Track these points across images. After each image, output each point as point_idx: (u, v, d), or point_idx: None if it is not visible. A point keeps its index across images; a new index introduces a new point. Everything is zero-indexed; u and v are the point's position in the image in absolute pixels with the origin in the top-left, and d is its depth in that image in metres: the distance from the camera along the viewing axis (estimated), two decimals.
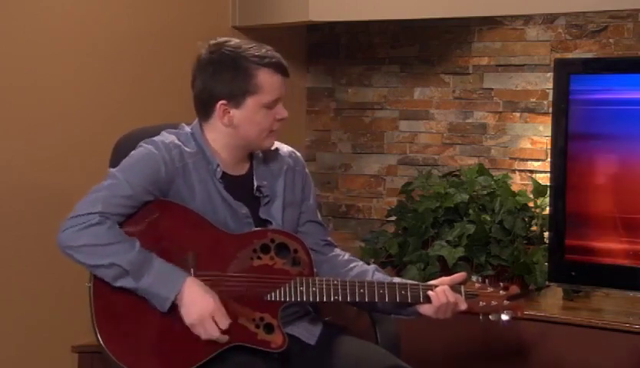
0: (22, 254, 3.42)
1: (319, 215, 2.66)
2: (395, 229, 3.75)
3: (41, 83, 3.46)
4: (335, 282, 2.43)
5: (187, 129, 2.52)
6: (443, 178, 3.78)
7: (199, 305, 2.33)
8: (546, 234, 3.50)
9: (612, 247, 3.21)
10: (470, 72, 4.06)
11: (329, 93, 4.40)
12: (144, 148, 2.44)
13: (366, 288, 2.43)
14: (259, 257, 2.43)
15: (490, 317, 2.50)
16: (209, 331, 2.33)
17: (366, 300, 2.44)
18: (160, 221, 2.41)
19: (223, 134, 2.47)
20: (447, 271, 3.49)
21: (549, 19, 3.87)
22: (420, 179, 3.75)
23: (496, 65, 4.00)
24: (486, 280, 2.52)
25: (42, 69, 3.46)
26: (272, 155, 2.58)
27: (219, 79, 2.43)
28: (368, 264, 2.64)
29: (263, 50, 2.46)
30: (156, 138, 2.47)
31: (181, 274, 2.35)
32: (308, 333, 2.50)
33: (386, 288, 2.45)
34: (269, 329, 2.39)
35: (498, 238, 3.51)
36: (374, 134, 4.30)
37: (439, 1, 3.70)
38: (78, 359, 3.59)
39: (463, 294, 2.49)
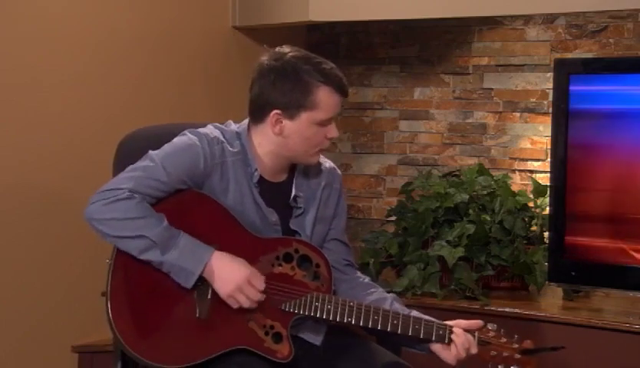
0: (23, 254, 3.42)
1: (346, 236, 2.63)
2: (395, 229, 3.75)
3: (45, 84, 3.46)
4: (351, 304, 2.40)
5: (234, 127, 2.50)
6: (443, 178, 3.78)
7: (234, 273, 2.32)
8: (546, 234, 3.50)
9: (612, 247, 3.21)
10: (470, 72, 4.06)
11: None
12: (188, 138, 2.42)
13: (380, 316, 2.40)
14: (280, 265, 2.41)
15: (499, 367, 2.47)
16: (250, 295, 2.33)
17: (379, 327, 2.41)
18: (189, 210, 2.39)
19: (271, 142, 2.45)
20: (447, 271, 3.49)
21: (549, 19, 3.87)
22: (420, 179, 3.75)
23: (496, 65, 4.00)
24: (502, 330, 2.48)
25: (45, 69, 3.46)
26: (313, 168, 2.55)
27: (278, 88, 2.41)
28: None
29: (327, 67, 2.43)
30: (201, 130, 2.45)
31: (208, 249, 2.34)
32: (313, 334, 2.49)
33: (400, 319, 2.41)
34: (278, 338, 2.38)
35: (498, 238, 3.51)
36: (374, 134, 4.30)
37: (439, 1, 3.70)
38: (78, 359, 3.59)
39: (475, 339, 2.45)
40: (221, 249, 2.37)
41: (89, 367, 3.58)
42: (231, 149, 2.44)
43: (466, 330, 2.45)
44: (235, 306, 2.35)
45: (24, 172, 3.42)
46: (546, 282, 3.42)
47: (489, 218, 3.53)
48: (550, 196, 3.38)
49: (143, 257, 2.33)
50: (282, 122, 2.42)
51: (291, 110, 2.40)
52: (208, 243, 2.37)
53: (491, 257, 3.50)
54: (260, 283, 2.35)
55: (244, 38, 4.11)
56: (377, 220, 4.23)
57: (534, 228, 3.61)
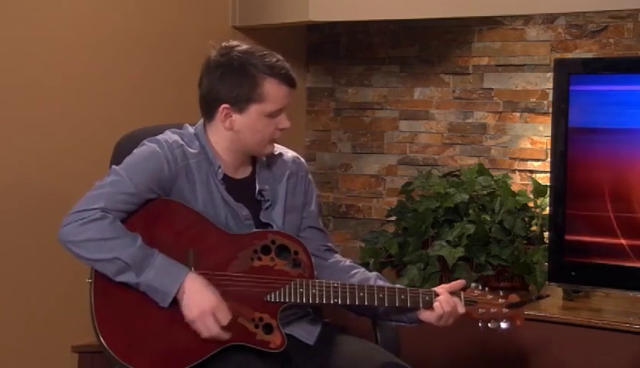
0: (23, 253, 3.42)
1: (321, 222, 2.65)
2: (395, 229, 3.75)
3: (43, 84, 3.46)
4: (335, 285, 2.43)
5: (191, 129, 2.53)
6: (443, 178, 3.78)
7: (200, 300, 2.33)
8: (546, 234, 3.50)
9: (612, 247, 3.21)
10: (470, 72, 4.06)
11: (329, 93, 4.40)
12: (147, 146, 2.45)
13: (366, 292, 2.43)
14: (260, 258, 2.43)
15: (489, 324, 2.50)
16: (210, 327, 2.33)
17: (365, 303, 2.43)
18: (161, 218, 2.41)
19: (224, 137, 2.48)
20: (447, 271, 3.49)
21: (549, 19, 3.87)
22: (420, 179, 3.75)
23: (496, 65, 4.00)
24: (486, 288, 2.51)
25: (45, 69, 3.46)
26: (275, 159, 2.58)
27: (225, 83, 2.44)
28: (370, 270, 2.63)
29: (273, 60, 2.45)
30: (159, 137, 2.48)
31: (183, 269, 2.35)
32: (307, 333, 2.50)
33: (386, 292, 2.44)
34: (269, 329, 2.39)
35: (498, 238, 3.51)
36: (374, 134, 4.30)
37: (439, 1, 3.69)
38: (78, 359, 3.59)
39: (462, 299, 2.49)
40: (198, 253, 2.39)
41: (89, 367, 3.58)
42: (191, 150, 2.46)
43: (451, 292, 2.48)
44: (199, 331, 2.35)
45: (24, 172, 3.42)
46: (546, 282, 3.42)
47: (489, 218, 3.53)
48: (550, 196, 3.38)
49: (119, 279, 2.35)
50: (231, 116, 2.45)
51: (240, 103, 2.43)
52: (184, 249, 2.38)
53: (491, 257, 3.50)
54: (224, 318, 2.34)
55: (244, 38, 4.09)
56: (377, 220, 4.22)
57: (534, 228, 3.61)
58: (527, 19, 3.91)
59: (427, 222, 3.58)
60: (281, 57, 2.48)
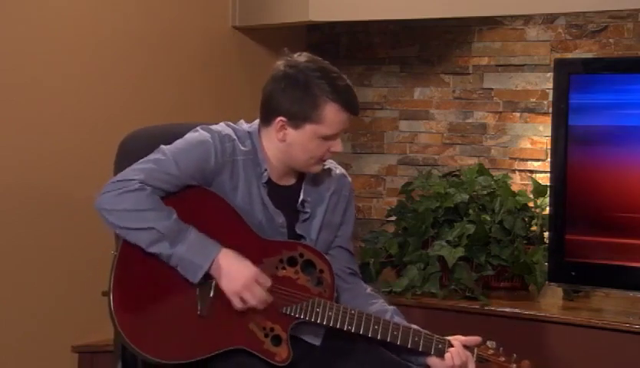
0: (23, 253, 3.42)
1: (351, 245, 2.63)
2: (395, 229, 3.75)
3: (46, 84, 3.46)
4: (352, 312, 2.41)
5: (246, 127, 2.51)
6: (443, 178, 3.78)
7: (241, 271, 2.33)
8: (546, 234, 3.50)
9: (612, 247, 3.21)
10: (470, 72, 4.06)
11: None
12: (200, 134, 2.43)
13: (381, 326, 2.41)
14: (284, 268, 2.41)
15: None
16: (257, 294, 2.33)
17: (378, 337, 2.41)
18: (196, 206, 2.40)
19: (275, 146, 2.46)
20: (447, 271, 3.49)
21: (549, 19, 3.87)
22: (420, 179, 3.75)
23: (496, 65, 4.00)
24: (501, 348, 2.47)
25: (45, 69, 3.46)
26: (322, 173, 2.55)
27: (287, 96, 2.41)
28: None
29: (341, 84, 2.43)
30: (213, 126, 2.46)
31: (216, 245, 2.35)
32: (313, 334, 2.49)
33: (400, 331, 2.42)
34: (277, 341, 2.38)
35: (498, 238, 3.51)
36: (374, 134, 4.30)
37: (439, 1, 3.69)
38: (78, 359, 3.59)
39: (474, 355, 2.45)
40: (226, 248, 2.37)
41: (89, 367, 3.58)
42: (242, 147, 2.45)
43: (465, 346, 2.44)
44: (239, 305, 2.35)
45: (24, 172, 3.42)
46: (546, 282, 3.42)
47: (489, 218, 3.53)
48: (550, 196, 3.38)
49: (152, 249, 2.33)
50: (286, 129, 2.42)
51: (297, 120, 2.41)
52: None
53: (491, 257, 3.50)
54: (267, 281, 2.35)
55: (244, 38, 4.10)
56: (377, 220, 4.23)
57: (534, 228, 3.61)
58: (527, 19, 3.91)
59: (427, 222, 3.58)
60: (349, 82, 2.46)
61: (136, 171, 2.35)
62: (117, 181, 2.35)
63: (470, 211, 3.55)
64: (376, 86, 4.29)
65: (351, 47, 4.36)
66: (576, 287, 3.42)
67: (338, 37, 4.38)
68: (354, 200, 2.64)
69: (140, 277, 2.36)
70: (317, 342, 2.49)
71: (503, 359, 2.45)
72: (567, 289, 3.47)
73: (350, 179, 2.62)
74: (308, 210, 2.50)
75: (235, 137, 2.45)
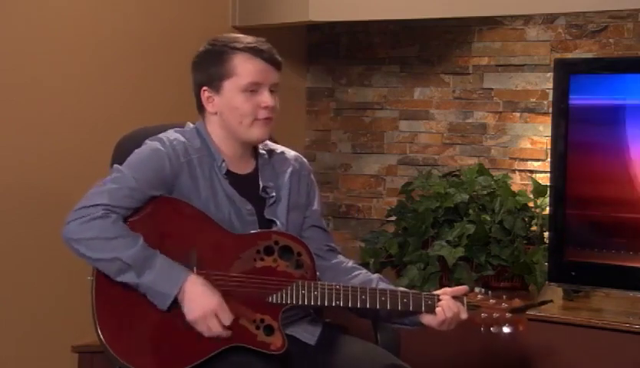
0: (23, 253, 3.42)
1: (323, 222, 2.65)
2: (395, 229, 3.75)
3: (45, 84, 3.46)
4: (337, 287, 2.42)
5: (192, 125, 2.55)
6: (443, 178, 3.78)
7: (202, 302, 2.33)
8: (546, 234, 3.50)
9: (612, 247, 3.21)
10: (470, 72, 4.06)
11: (329, 93, 4.40)
12: (149, 145, 2.46)
13: (368, 295, 2.42)
14: (262, 259, 2.42)
15: (491, 329, 2.48)
16: (212, 328, 2.33)
17: (367, 306, 2.42)
18: (163, 218, 2.41)
19: (215, 124, 2.50)
20: (447, 271, 3.49)
21: (549, 19, 3.87)
22: (420, 179, 3.75)
23: (496, 65, 4.00)
24: (489, 292, 2.49)
25: (45, 69, 3.46)
26: (277, 157, 2.59)
27: (201, 68, 2.49)
28: (372, 271, 2.62)
29: (249, 39, 2.49)
30: (161, 135, 2.49)
31: (183, 271, 2.35)
32: (308, 333, 2.50)
33: (388, 295, 2.43)
34: (270, 331, 2.38)
35: (498, 238, 3.51)
36: (374, 134, 4.30)
37: (439, 1, 3.69)
38: (78, 359, 3.59)
39: (465, 304, 2.47)
40: (200, 253, 2.38)
41: (89, 367, 3.58)
42: (193, 146, 2.47)
43: (454, 297, 2.46)
44: (202, 332, 2.35)
45: (23, 172, 3.42)
46: (546, 282, 3.42)
47: (489, 218, 3.53)
48: (550, 196, 3.38)
49: (120, 279, 2.35)
50: (212, 99, 2.48)
51: (215, 82, 2.47)
52: (186, 248, 2.38)
53: (491, 257, 3.50)
54: (226, 318, 2.35)
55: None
56: (377, 220, 4.23)
57: (534, 228, 3.62)
58: (527, 19, 3.91)
59: (427, 222, 3.58)
60: (262, 40, 2.50)
61: (97, 195, 2.36)
62: (81, 208, 2.35)
63: (470, 211, 3.55)
64: (376, 86, 4.29)
65: (351, 47, 4.36)
66: (576, 287, 3.42)
67: (338, 37, 4.38)
68: (314, 179, 2.66)
69: (121, 298, 2.36)
70: (312, 341, 2.49)
71: (493, 301, 2.47)
72: (567, 289, 3.46)
73: (305, 159, 2.64)
74: (272, 194, 2.52)
75: (183, 139, 2.48)
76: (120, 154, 2.55)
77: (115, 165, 2.43)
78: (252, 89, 2.45)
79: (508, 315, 2.47)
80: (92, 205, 2.34)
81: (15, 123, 3.39)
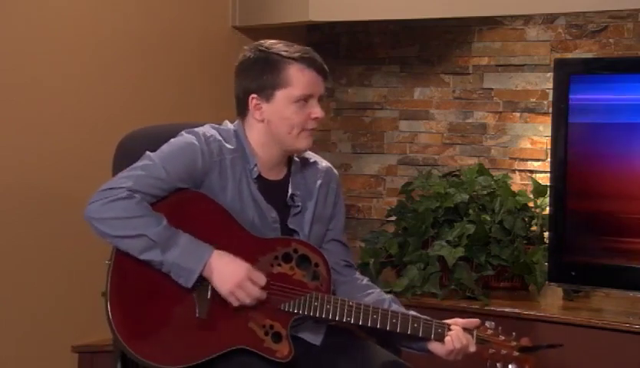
0: (23, 253, 3.42)
1: (345, 237, 2.64)
2: (395, 229, 3.75)
3: (45, 84, 3.46)
4: (350, 304, 2.41)
5: (230, 126, 2.52)
6: (443, 178, 3.78)
7: (233, 271, 2.33)
8: (546, 234, 3.50)
9: (612, 247, 3.21)
10: (470, 72, 4.06)
11: (329, 93, 4.40)
12: (185, 137, 2.44)
13: (380, 315, 2.41)
14: (280, 265, 2.41)
15: (497, 364, 2.47)
16: (251, 291, 2.33)
17: (378, 326, 2.41)
18: (187, 210, 2.40)
19: (258, 131, 2.47)
20: (447, 271, 3.49)
21: (549, 19, 3.87)
22: (420, 179, 3.75)
23: (496, 65, 4.00)
24: (499, 328, 2.48)
25: (45, 69, 3.46)
26: (309, 166, 2.57)
27: (250, 75, 2.45)
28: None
29: (298, 48, 2.46)
30: (197, 129, 2.47)
31: (208, 247, 2.35)
32: (313, 334, 2.49)
33: (399, 318, 2.42)
34: (277, 338, 2.37)
35: (498, 238, 3.51)
36: (374, 134, 4.30)
37: (439, 1, 3.70)
38: (78, 359, 3.59)
39: (474, 337, 2.45)
40: (219, 249, 2.37)
41: (89, 367, 3.58)
42: (228, 146, 2.45)
43: (465, 329, 2.45)
44: (235, 303, 2.35)
45: (24, 172, 3.42)
46: (546, 282, 3.42)
47: (489, 218, 3.53)
48: (550, 196, 3.38)
49: (144, 257, 2.33)
50: (261, 107, 2.44)
51: (266, 90, 2.43)
52: (206, 243, 2.37)
53: (491, 257, 3.50)
54: (260, 279, 2.35)
55: (244, 38, 4.10)
56: (377, 220, 4.23)
57: (534, 228, 3.61)
58: (527, 19, 3.91)
59: (427, 222, 3.58)
60: (309, 48, 2.49)
61: (123, 178, 2.35)
62: (105, 189, 2.35)
63: (470, 211, 3.55)
64: (376, 86, 4.29)
65: (351, 47, 4.36)
66: (576, 287, 3.42)
67: (338, 37, 4.38)
68: (342, 193, 2.65)
69: (136, 284, 2.36)
70: (317, 341, 2.49)
71: (502, 338, 2.46)
72: (567, 289, 3.47)
73: (336, 172, 2.63)
74: (298, 204, 2.51)
75: (220, 137, 2.46)
76: (122, 154, 2.55)
77: (147, 153, 2.41)
78: (304, 99, 2.44)
79: (516, 353, 2.44)
80: (117, 188, 2.34)
81: (15, 123, 3.39)
